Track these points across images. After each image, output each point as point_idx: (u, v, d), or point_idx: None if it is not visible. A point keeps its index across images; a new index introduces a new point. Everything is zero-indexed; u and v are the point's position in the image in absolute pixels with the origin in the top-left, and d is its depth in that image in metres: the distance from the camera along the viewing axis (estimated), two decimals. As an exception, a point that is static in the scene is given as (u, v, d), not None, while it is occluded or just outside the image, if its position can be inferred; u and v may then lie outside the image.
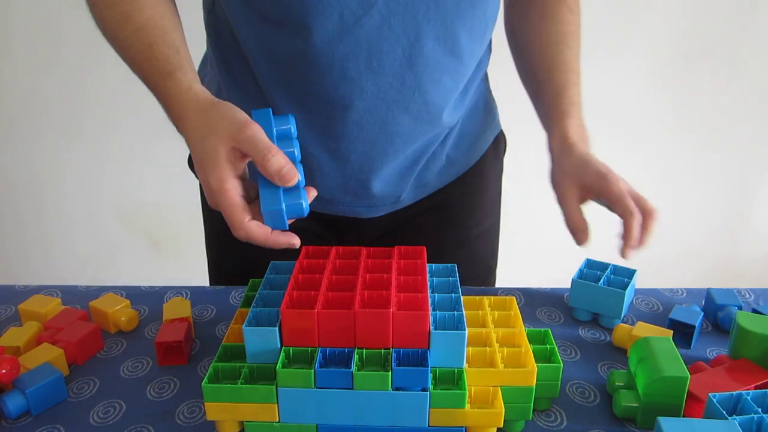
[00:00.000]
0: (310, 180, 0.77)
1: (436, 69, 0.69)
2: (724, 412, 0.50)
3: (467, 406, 0.53)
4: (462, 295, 0.60)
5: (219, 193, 0.56)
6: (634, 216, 0.65)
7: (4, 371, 0.58)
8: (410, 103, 0.71)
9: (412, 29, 0.66)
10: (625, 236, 0.65)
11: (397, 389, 0.52)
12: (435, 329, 0.53)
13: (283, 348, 0.54)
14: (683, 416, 0.57)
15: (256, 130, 0.56)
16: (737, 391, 0.53)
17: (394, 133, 0.73)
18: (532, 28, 0.81)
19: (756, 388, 0.58)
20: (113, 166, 1.78)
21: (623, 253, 0.65)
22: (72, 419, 0.58)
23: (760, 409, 0.51)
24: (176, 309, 0.71)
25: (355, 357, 0.53)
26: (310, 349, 0.54)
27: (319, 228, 0.85)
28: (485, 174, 0.89)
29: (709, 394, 0.52)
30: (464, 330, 0.53)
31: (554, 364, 0.58)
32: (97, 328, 0.68)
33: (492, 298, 0.64)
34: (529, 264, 1.52)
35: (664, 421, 0.47)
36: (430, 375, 0.52)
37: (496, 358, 0.56)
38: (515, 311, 0.62)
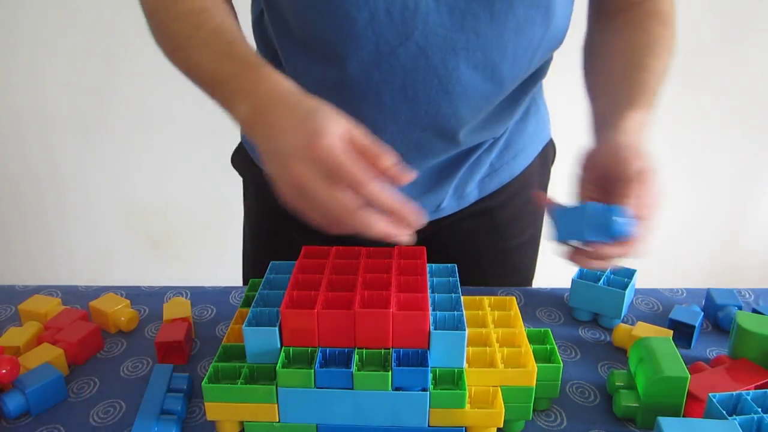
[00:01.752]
0: None
1: (474, 96, 0.67)
2: (724, 412, 0.50)
3: (467, 406, 0.53)
4: (462, 295, 0.60)
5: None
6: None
7: (4, 371, 0.58)
8: (446, 128, 0.69)
9: (450, 60, 0.63)
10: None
11: (397, 389, 0.52)
12: (435, 329, 0.53)
13: (283, 348, 0.54)
14: (683, 416, 0.57)
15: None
16: (737, 391, 0.53)
17: (427, 152, 0.72)
18: (609, 39, 0.70)
19: (756, 388, 0.58)
20: (113, 166, 1.78)
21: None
22: (72, 419, 0.58)
23: (760, 409, 0.51)
24: (176, 309, 0.71)
25: (355, 357, 0.53)
26: (310, 349, 0.54)
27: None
28: (530, 184, 0.85)
29: (709, 394, 0.52)
30: (464, 330, 0.53)
31: (554, 364, 0.58)
32: (97, 328, 0.68)
33: (492, 298, 0.64)
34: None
35: (664, 421, 0.47)
36: (430, 375, 0.53)
37: (496, 358, 0.56)
38: (515, 311, 0.62)
